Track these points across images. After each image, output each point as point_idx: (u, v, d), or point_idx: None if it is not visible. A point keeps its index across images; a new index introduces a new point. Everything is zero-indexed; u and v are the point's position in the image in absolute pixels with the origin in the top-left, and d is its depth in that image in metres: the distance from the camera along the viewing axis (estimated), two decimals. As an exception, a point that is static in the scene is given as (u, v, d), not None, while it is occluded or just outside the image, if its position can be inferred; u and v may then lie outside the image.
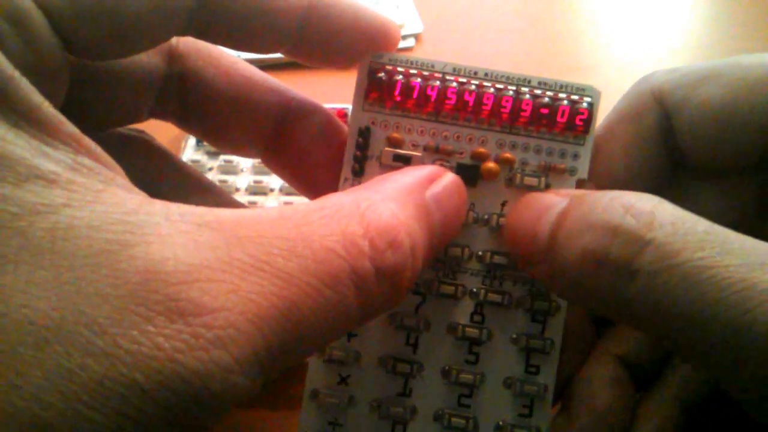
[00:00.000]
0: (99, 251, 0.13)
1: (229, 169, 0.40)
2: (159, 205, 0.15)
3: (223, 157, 0.40)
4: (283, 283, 0.15)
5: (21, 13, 0.16)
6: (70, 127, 0.15)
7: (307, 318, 0.15)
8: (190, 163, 0.40)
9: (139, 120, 0.25)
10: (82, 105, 0.22)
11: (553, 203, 0.20)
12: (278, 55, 0.23)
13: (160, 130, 0.29)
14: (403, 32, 0.50)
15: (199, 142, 0.42)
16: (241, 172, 0.40)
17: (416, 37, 0.50)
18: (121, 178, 0.16)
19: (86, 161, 0.15)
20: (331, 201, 0.17)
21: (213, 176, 0.40)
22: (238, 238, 0.15)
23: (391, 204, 0.18)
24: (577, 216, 0.19)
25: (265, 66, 0.26)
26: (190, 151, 0.41)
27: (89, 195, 0.14)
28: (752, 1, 0.55)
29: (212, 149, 0.41)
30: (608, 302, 0.18)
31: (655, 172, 0.23)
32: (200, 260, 0.14)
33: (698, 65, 0.22)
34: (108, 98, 0.23)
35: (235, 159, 0.40)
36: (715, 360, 0.16)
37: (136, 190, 0.16)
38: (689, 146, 0.22)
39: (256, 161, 0.40)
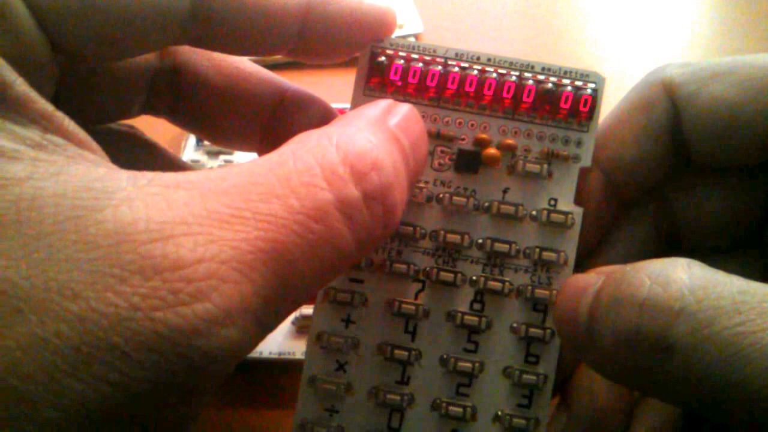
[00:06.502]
0: (66, 218, 0.13)
1: (228, 169, 0.40)
2: (125, 173, 0.15)
3: (223, 157, 0.40)
4: (267, 225, 0.14)
5: (3, 5, 0.16)
6: (41, 104, 0.15)
7: (298, 258, 0.15)
8: (189, 163, 0.40)
9: (131, 115, 0.25)
10: (70, 100, 0.22)
11: (589, 283, 0.19)
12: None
13: (160, 130, 0.29)
14: (403, 32, 0.50)
15: (199, 142, 0.42)
16: (241, 171, 0.40)
17: (416, 37, 0.50)
18: (91, 154, 0.15)
19: (54, 139, 0.15)
20: (299, 141, 0.17)
21: (212, 175, 0.40)
22: (212, 192, 0.15)
23: (361, 132, 0.18)
24: (608, 294, 0.18)
25: (263, 66, 0.26)
26: (190, 150, 0.41)
27: (53, 168, 0.14)
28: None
29: (212, 149, 0.41)
30: (652, 383, 0.17)
31: (662, 164, 0.23)
32: (173, 217, 0.14)
33: (711, 61, 0.22)
34: (98, 93, 0.23)
35: (236, 158, 0.40)
36: None
37: (105, 163, 0.15)
38: (696, 142, 0.22)
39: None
